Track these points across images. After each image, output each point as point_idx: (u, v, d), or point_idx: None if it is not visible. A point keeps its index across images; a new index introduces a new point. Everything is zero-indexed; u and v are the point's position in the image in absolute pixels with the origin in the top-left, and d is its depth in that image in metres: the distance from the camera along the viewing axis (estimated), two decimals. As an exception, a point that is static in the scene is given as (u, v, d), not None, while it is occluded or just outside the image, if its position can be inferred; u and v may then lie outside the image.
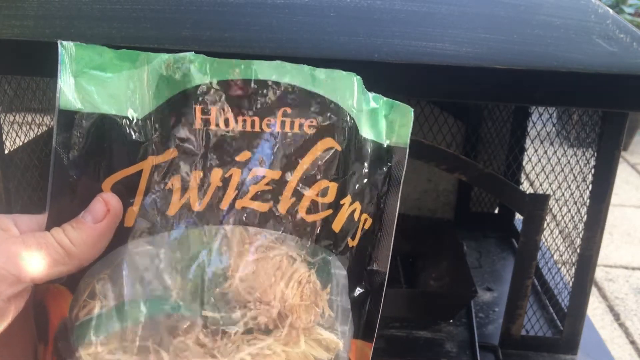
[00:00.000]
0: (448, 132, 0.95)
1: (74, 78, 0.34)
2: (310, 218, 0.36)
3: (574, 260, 0.69)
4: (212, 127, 0.35)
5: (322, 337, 0.36)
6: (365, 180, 0.38)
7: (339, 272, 0.37)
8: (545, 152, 0.79)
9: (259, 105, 0.35)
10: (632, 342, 1.37)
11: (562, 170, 0.76)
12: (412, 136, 0.40)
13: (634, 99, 0.55)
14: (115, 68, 0.35)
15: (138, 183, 0.34)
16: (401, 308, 0.75)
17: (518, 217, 1.01)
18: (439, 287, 0.84)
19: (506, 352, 0.70)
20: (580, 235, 0.66)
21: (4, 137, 0.66)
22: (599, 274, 1.62)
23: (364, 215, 0.39)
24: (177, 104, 0.35)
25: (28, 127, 0.80)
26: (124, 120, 0.34)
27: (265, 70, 0.35)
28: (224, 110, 0.35)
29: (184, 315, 0.34)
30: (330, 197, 0.36)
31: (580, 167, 0.71)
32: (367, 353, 0.40)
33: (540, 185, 0.79)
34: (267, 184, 0.35)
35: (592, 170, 0.63)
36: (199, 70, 0.35)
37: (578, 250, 0.66)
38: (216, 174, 0.35)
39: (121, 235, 0.34)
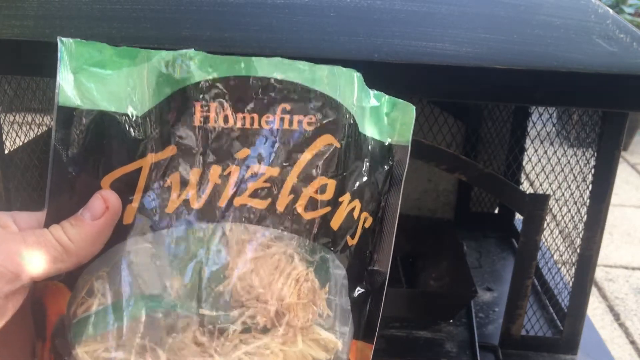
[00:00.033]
0: (448, 132, 0.95)
1: (74, 75, 0.34)
2: (308, 215, 0.36)
3: (574, 260, 0.69)
4: (212, 124, 0.35)
5: (320, 337, 0.36)
6: (366, 179, 0.38)
7: (338, 271, 0.37)
8: (545, 152, 0.79)
9: (258, 102, 0.35)
10: (632, 342, 1.37)
11: (562, 170, 0.76)
12: (412, 136, 0.40)
13: (634, 99, 0.55)
14: (115, 65, 0.35)
15: (137, 180, 0.34)
16: (401, 308, 0.75)
17: (518, 217, 1.01)
18: (439, 287, 0.84)
19: (506, 352, 0.70)
20: (580, 235, 0.66)
21: (4, 137, 0.66)
22: (599, 274, 1.62)
23: (364, 214, 0.39)
24: (177, 101, 0.35)
25: (28, 127, 0.80)
26: (124, 117, 0.34)
27: (265, 67, 0.35)
28: (223, 107, 0.35)
29: (181, 314, 0.34)
30: (328, 195, 0.36)
31: (580, 167, 0.71)
32: (368, 354, 0.40)
33: (540, 185, 0.79)
34: (265, 181, 0.35)
35: (592, 170, 0.63)
36: (199, 68, 0.35)
37: (578, 250, 0.66)
38: (215, 171, 0.35)
39: (120, 233, 0.34)
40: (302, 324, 0.35)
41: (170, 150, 0.34)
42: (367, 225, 0.39)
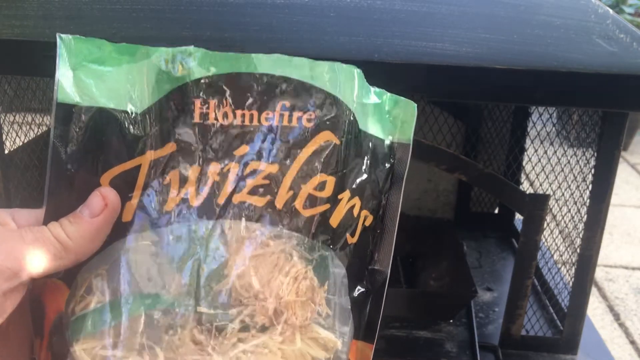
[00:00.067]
0: (448, 132, 0.95)
1: (73, 71, 0.34)
2: (307, 212, 0.36)
3: (574, 260, 0.69)
4: (211, 121, 0.35)
5: (319, 336, 0.36)
6: (366, 176, 0.38)
7: (338, 270, 0.37)
8: (545, 152, 0.79)
9: (257, 99, 0.35)
10: (632, 342, 1.37)
11: (562, 170, 0.76)
12: (413, 136, 0.40)
13: (634, 99, 0.55)
14: (115, 62, 0.35)
15: (136, 178, 0.34)
16: (401, 308, 0.75)
17: (518, 217, 1.01)
18: (439, 287, 0.83)
19: (506, 352, 0.70)
20: (580, 235, 0.66)
21: (4, 137, 0.66)
22: (599, 274, 1.62)
23: (364, 212, 0.38)
24: (176, 98, 0.34)
25: (28, 127, 0.80)
26: (123, 114, 0.34)
27: (265, 63, 0.35)
28: (223, 104, 0.35)
29: (179, 312, 0.34)
30: (328, 192, 0.36)
31: (580, 167, 0.71)
32: (368, 354, 0.40)
33: (540, 185, 0.79)
34: (264, 178, 0.35)
35: (592, 170, 0.63)
36: (199, 64, 0.35)
37: (578, 250, 0.66)
38: (214, 168, 0.35)
39: (119, 230, 0.34)
40: (300, 323, 0.35)
41: (170, 148, 0.34)
42: (367, 223, 0.39)
